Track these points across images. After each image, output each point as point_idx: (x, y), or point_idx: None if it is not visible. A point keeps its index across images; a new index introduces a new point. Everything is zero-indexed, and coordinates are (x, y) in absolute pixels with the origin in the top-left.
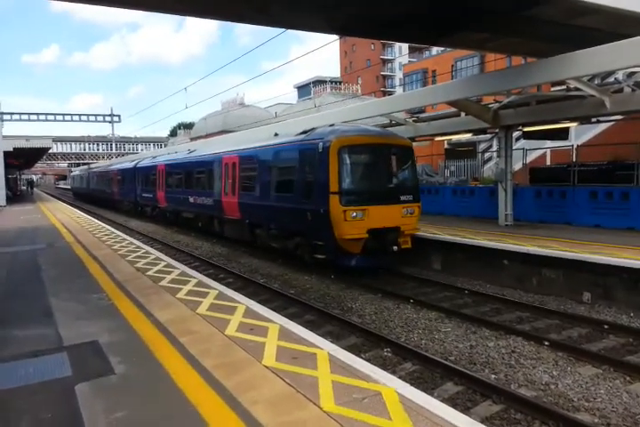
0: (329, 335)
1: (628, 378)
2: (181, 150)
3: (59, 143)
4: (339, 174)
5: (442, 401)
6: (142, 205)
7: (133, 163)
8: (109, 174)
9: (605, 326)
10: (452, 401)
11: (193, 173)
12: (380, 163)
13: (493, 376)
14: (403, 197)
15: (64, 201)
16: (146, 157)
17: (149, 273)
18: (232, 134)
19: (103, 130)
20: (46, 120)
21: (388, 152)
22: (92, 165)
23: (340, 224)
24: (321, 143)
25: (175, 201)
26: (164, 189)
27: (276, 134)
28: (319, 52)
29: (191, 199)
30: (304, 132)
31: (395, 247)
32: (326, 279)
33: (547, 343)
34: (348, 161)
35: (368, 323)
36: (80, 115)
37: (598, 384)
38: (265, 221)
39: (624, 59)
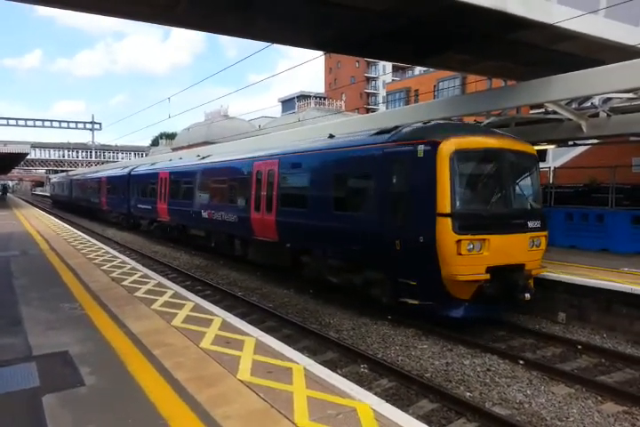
0: (306, 350)
1: (599, 398)
2: (186, 156)
3: (37, 149)
4: (451, 190)
5: (417, 418)
6: (136, 218)
7: (127, 170)
8: (96, 182)
9: (579, 347)
10: (426, 418)
11: (209, 183)
12: (505, 175)
13: (468, 394)
14: (530, 224)
15: (41, 208)
16: (141, 163)
17: (125, 283)
18: (249, 139)
19: (83, 137)
20: (25, 126)
21: (512, 161)
22: (75, 172)
23: (451, 259)
24: (422, 146)
25: (181, 215)
26: (166, 201)
27: (331, 136)
28: (305, 68)
29: (204, 214)
30: (384, 132)
31: (527, 295)
32: (305, 294)
33: (521, 362)
34: (465, 171)
35: (345, 338)
36: (60, 121)
37: (571, 404)
38: (318, 247)
39: (600, 85)
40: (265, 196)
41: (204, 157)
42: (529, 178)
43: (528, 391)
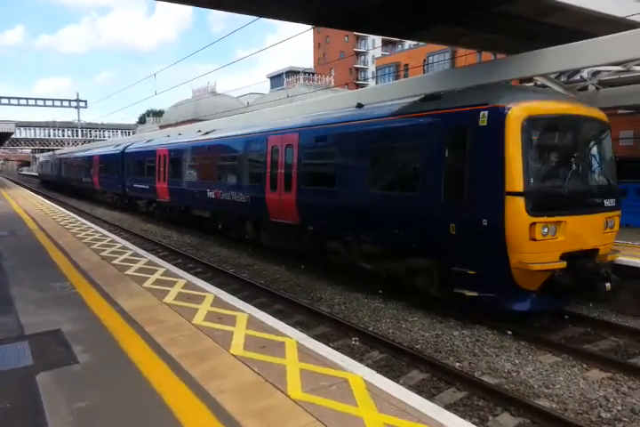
0: (298, 325)
1: (585, 366)
2: (186, 132)
3: (22, 128)
4: (524, 164)
5: (407, 388)
6: (132, 198)
7: (120, 147)
8: (87, 161)
9: (566, 317)
10: (417, 388)
11: (215, 160)
12: (581, 146)
13: (458, 364)
14: (606, 202)
15: (28, 188)
16: (135, 140)
17: (115, 262)
18: (257, 112)
19: (69, 115)
20: (9, 104)
21: (588, 130)
22: (64, 150)
23: (524, 245)
24: (485, 112)
25: (184, 195)
26: (166, 180)
27: (359, 105)
28: (293, 44)
29: (211, 194)
30: (432, 97)
31: (608, 284)
32: (296, 270)
33: (509, 333)
34: (540, 142)
35: (337, 313)
36: (45, 99)
37: (558, 372)
38: (349, 231)
39: (590, 58)
40: (282, 173)
41: (207, 133)
42: (604, 149)
43: (516, 361)
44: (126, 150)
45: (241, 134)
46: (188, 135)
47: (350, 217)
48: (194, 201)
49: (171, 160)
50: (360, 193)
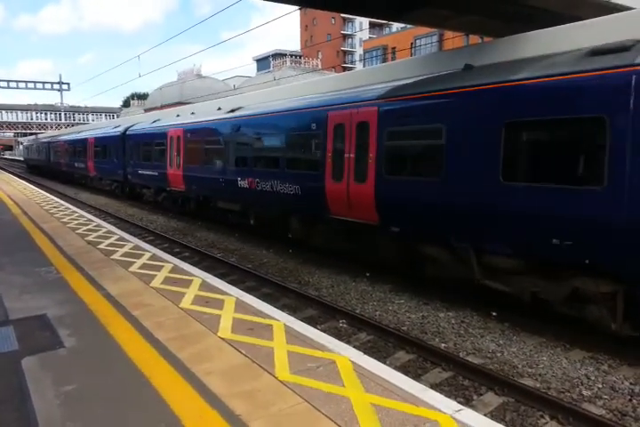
0: (286, 308)
1: (567, 346)
2: (200, 111)
3: (3, 112)
4: None
5: (394, 369)
6: (135, 187)
7: (120, 128)
8: (81, 144)
9: None
10: (403, 369)
11: (249, 143)
12: None
13: (443, 345)
14: None
15: (11, 173)
16: (137, 122)
17: (101, 246)
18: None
19: (51, 99)
20: None
21: None
22: (52, 133)
23: None
24: None
25: (205, 184)
26: (181, 166)
27: (468, 66)
28: (280, 26)
29: (243, 183)
30: (610, 51)
31: None
32: (284, 254)
33: (494, 314)
34: None
35: (325, 296)
36: (27, 82)
37: (541, 352)
38: (464, 236)
39: (577, 41)
40: (351, 158)
41: (233, 110)
42: None
43: (500, 341)
44: (128, 132)
45: (284, 111)
46: (205, 114)
47: (470, 219)
48: (218, 191)
49: (187, 143)
50: (488, 186)
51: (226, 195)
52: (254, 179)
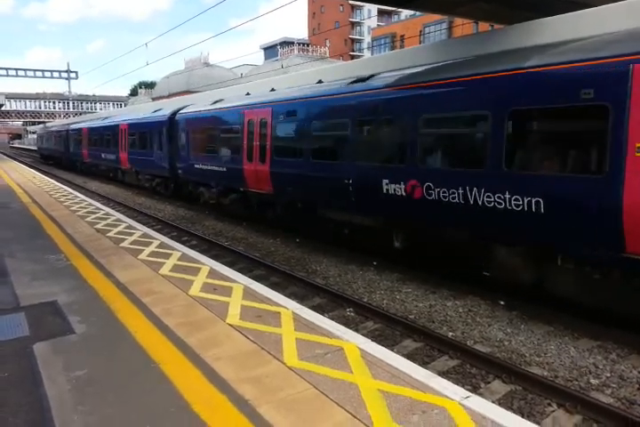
0: (293, 296)
1: (575, 335)
2: (283, 85)
3: (12, 100)
4: None
5: (401, 356)
6: (186, 184)
7: (166, 112)
8: (109, 132)
9: None
10: (411, 357)
11: (401, 127)
12: None
13: (451, 333)
14: None
15: (20, 161)
16: (186, 104)
17: (110, 234)
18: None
19: (60, 87)
20: None
21: None
22: (70, 120)
23: None
24: None
25: (309, 186)
26: (267, 160)
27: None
28: (287, 14)
29: (399, 187)
30: None
31: None
32: (291, 243)
33: (502, 303)
34: None
35: (332, 284)
36: (35, 70)
37: (549, 341)
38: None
39: (589, 28)
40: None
41: (355, 81)
42: None
43: (508, 330)
44: (178, 116)
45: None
46: (298, 89)
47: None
48: (332, 197)
49: (278, 128)
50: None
51: (348, 204)
52: (424, 181)
